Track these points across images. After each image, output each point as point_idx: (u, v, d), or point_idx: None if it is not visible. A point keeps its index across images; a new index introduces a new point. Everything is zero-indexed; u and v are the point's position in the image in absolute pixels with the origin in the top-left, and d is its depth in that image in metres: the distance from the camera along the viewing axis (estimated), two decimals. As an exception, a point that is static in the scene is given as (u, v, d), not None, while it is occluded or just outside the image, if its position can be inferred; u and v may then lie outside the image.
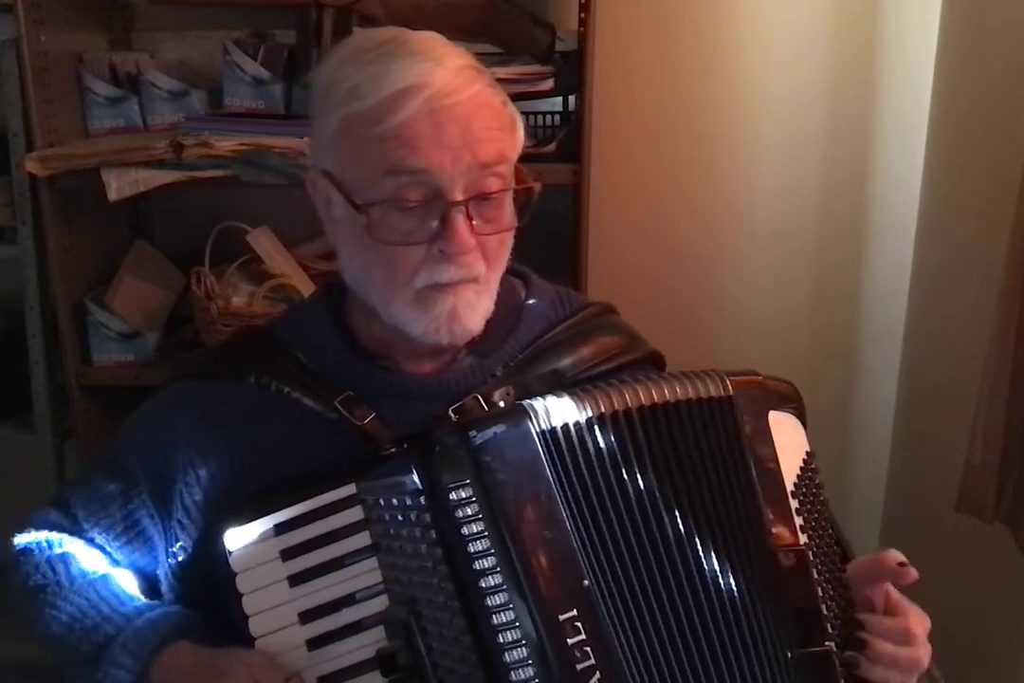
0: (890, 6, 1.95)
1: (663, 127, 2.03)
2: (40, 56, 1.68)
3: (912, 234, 2.05)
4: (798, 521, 0.91)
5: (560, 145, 1.69)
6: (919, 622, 0.93)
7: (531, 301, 1.10)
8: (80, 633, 0.99)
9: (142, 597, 1.03)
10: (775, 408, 0.95)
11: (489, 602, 0.83)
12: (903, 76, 1.98)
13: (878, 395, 2.16)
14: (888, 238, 2.08)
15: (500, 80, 1.62)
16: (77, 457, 1.85)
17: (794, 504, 0.91)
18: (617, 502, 0.87)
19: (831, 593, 0.91)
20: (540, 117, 1.89)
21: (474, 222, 0.93)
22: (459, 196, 0.92)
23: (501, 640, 0.82)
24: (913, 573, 0.91)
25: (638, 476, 0.88)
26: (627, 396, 0.90)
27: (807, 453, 0.95)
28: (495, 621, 0.83)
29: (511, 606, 0.83)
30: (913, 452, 2.06)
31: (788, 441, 0.94)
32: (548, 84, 1.68)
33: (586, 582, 0.84)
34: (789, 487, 0.92)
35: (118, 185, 1.63)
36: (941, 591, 1.85)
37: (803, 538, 0.91)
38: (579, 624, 0.83)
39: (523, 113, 1.83)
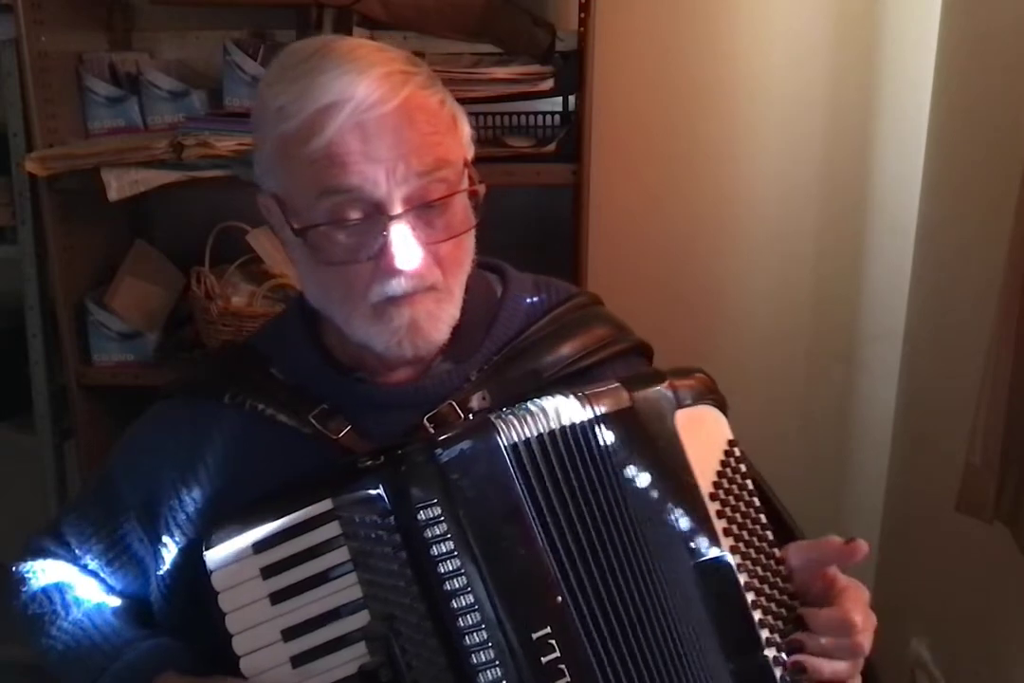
0: (890, 6, 1.95)
1: (663, 127, 2.03)
2: (40, 56, 1.68)
3: (912, 234, 2.05)
4: (720, 525, 0.88)
5: (560, 145, 1.69)
6: (857, 603, 0.88)
7: (508, 297, 1.07)
8: (74, 662, 1.01)
9: (135, 626, 1.04)
10: (684, 406, 0.91)
11: (461, 622, 0.82)
12: (903, 76, 1.98)
13: (878, 395, 2.16)
14: (888, 238, 2.07)
15: (500, 80, 1.66)
16: (77, 457, 1.85)
17: (715, 507, 0.89)
18: (586, 515, 0.86)
19: (767, 592, 0.88)
20: (540, 117, 1.89)
21: (418, 232, 0.90)
22: (399, 209, 0.89)
23: (474, 660, 0.82)
24: (863, 546, 0.87)
25: (601, 489, 0.87)
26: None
27: (728, 442, 0.91)
28: (468, 641, 0.82)
29: (483, 626, 0.82)
30: (913, 452, 2.06)
31: (704, 436, 0.91)
32: (548, 84, 1.68)
33: (559, 598, 0.84)
34: (708, 489, 0.89)
35: (118, 185, 1.63)
36: (941, 591, 1.85)
37: (727, 543, 0.88)
38: (553, 641, 0.82)
39: (523, 113, 1.87)
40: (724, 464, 0.90)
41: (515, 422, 0.87)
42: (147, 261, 1.92)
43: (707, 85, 2.01)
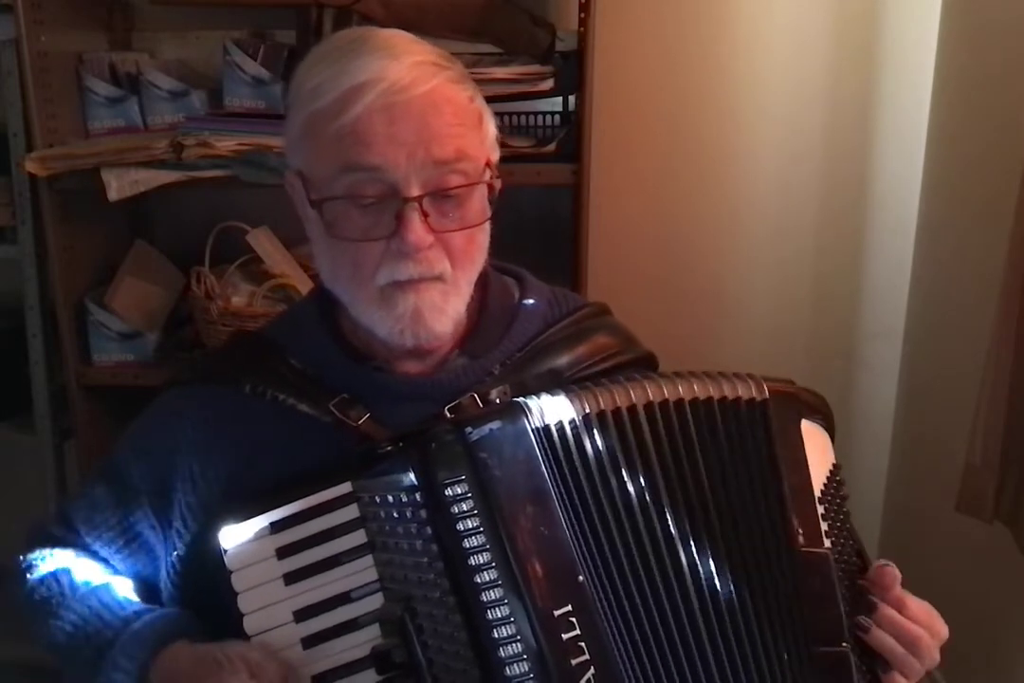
0: (890, 5, 1.96)
1: (663, 127, 2.03)
2: (40, 56, 1.69)
3: (912, 232, 2.06)
4: (823, 526, 0.92)
5: (560, 145, 1.69)
6: (934, 620, 0.93)
7: (526, 301, 1.09)
8: (82, 640, 1.00)
9: (142, 602, 1.03)
10: (806, 417, 0.95)
11: (484, 598, 0.82)
12: (903, 76, 1.98)
13: (878, 393, 2.16)
14: (888, 236, 2.08)
15: (500, 80, 1.65)
16: (77, 457, 1.85)
17: (820, 509, 0.92)
18: (612, 499, 0.87)
19: (849, 598, 0.91)
20: (540, 117, 1.89)
21: (431, 218, 0.92)
22: (415, 192, 0.91)
23: (496, 636, 0.82)
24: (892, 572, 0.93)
25: (635, 474, 0.88)
26: (632, 393, 0.90)
27: (833, 465, 0.96)
28: (490, 617, 0.82)
29: (506, 602, 0.82)
30: (913, 451, 2.06)
31: (817, 451, 0.95)
32: (548, 84, 1.68)
33: (581, 578, 0.84)
34: (816, 493, 0.93)
35: (118, 185, 1.63)
36: (941, 591, 1.85)
37: (827, 542, 0.91)
38: (573, 619, 0.83)
39: (523, 113, 1.87)
40: (829, 479, 0.94)
41: (544, 405, 0.88)
42: (147, 261, 1.92)
43: (707, 84, 2.01)
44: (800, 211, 2.07)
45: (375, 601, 0.91)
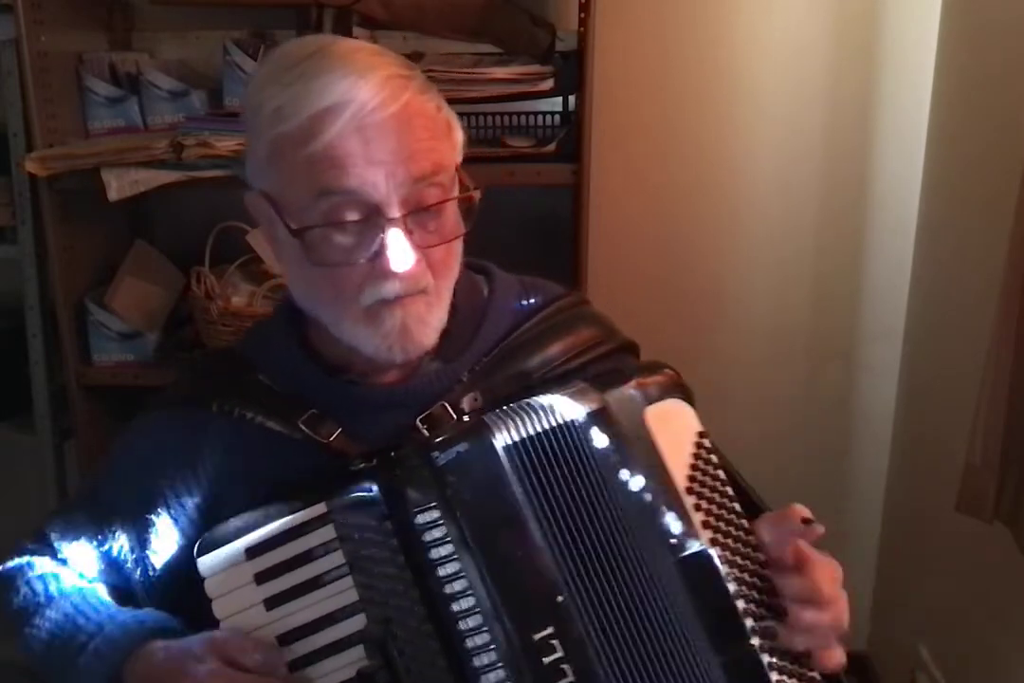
0: (890, 5, 1.96)
1: (663, 127, 2.03)
2: (40, 56, 1.69)
3: (912, 232, 2.06)
4: (698, 518, 0.87)
5: (560, 145, 1.69)
6: (827, 577, 0.88)
7: (496, 298, 1.07)
8: (58, 646, 0.98)
9: (117, 605, 1.02)
10: (654, 401, 0.91)
11: (462, 626, 0.82)
12: (903, 76, 1.98)
13: (878, 394, 2.16)
14: (888, 236, 2.08)
15: (500, 80, 1.66)
16: (77, 457, 1.85)
17: (691, 500, 0.88)
18: (581, 515, 0.85)
19: (748, 580, 0.87)
20: (540, 117, 1.89)
21: (415, 235, 0.90)
22: (396, 212, 0.89)
23: (476, 664, 0.81)
24: (818, 530, 0.88)
25: (590, 489, 0.86)
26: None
27: (698, 434, 0.90)
28: (469, 645, 0.81)
29: (485, 629, 0.82)
30: (913, 452, 2.06)
31: (675, 430, 0.90)
32: (548, 84, 1.68)
33: (560, 598, 0.83)
34: (684, 483, 0.88)
35: (118, 185, 1.63)
36: (941, 591, 1.85)
37: (705, 536, 0.87)
38: (555, 641, 0.82)
39: (523, 113, 1.87)
40: (696, 456, 0.90)
41: (510, 423, 0.87)
42: (147, 261, 1.92)
43: (707, 84, 2.01)
44: (800, 211, 2.07)
45: (358, 622, 0.89)
